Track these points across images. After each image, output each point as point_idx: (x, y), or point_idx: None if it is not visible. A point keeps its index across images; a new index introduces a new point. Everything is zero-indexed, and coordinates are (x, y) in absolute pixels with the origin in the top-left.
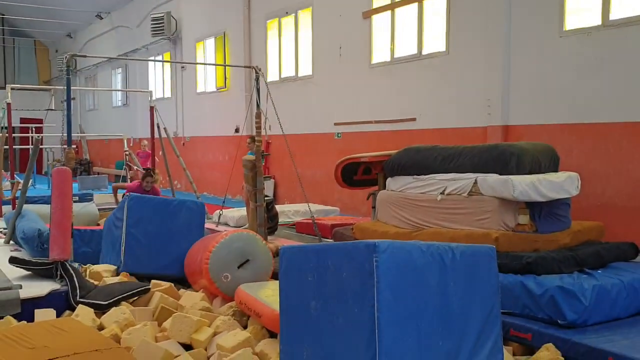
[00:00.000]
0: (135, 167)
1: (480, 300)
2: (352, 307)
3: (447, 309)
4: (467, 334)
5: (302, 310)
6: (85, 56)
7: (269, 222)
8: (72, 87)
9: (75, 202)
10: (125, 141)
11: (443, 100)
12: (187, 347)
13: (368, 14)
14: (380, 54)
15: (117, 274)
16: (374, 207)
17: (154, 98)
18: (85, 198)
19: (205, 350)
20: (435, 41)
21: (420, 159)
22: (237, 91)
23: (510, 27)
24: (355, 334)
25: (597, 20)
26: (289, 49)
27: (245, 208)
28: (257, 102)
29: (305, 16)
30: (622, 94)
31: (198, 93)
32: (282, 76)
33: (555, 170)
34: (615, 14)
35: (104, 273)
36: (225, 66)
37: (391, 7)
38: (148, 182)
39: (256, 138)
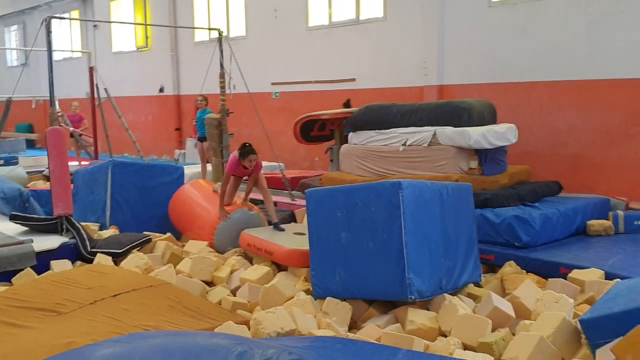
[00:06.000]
0: (70, 130)
1: (464, 227)
2: (381, 234)
3: (445, 233)
4: (458, 253)
5: (333, 241)
6: (63, 18)
7: None
8: None
9: (0, 165)
10: (57, 102)
11: (382, 62)
12: (207, 284)
13: None
14: (317, 17)
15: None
16: (332, 160)
17: (60, 58)
18: (11, 162)
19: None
20: (373, 7)
21: (382, 115)
22: (160, 51)
23: None
24: (386, 255)
25: None
26: (219, 9)
27: (200, 165)
28: (220, 62)
29: None
30: (543, 57)
31: (114, 53)
32: (212, 36)
33: (494, 123)
34: None
35: (92, 226)
36: (187, 28)
37: None
38: (252, 160)
39: (221, 97)
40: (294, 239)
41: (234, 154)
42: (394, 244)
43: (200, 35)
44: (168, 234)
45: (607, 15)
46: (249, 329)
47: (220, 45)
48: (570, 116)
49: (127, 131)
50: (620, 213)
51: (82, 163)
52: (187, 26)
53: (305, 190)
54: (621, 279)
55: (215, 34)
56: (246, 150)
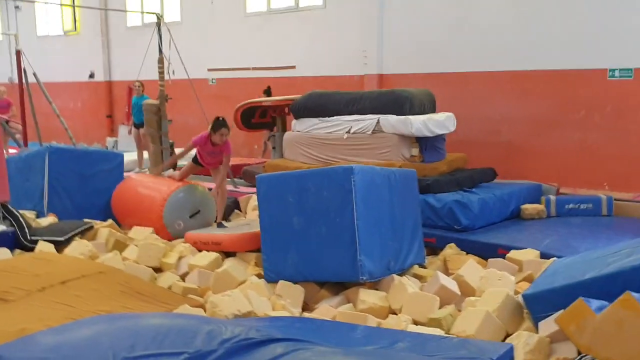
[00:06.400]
0: None
1: (410, 210)
2: (334, 218)
3: (394, 217)
4: (404, 236)
5: (285, 226)
6: None
7: None
8: None
9: None
10: None
11: (322, 50)
12: (155, 270)
13: None
14: (255, 3)
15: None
16: (274, 148)
17: None
18: None
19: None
20: None
21: (325, 103)
22: (90, 35)
23: None
24: (338, 238)
25: None
26: None
27: (136, 152)
28: (159, 48)
29: None
30: (480, 48)
31: (39, 36)
32: (145, 22)
33: (434, 111)
34: None
35: (28, 214)
36: (122, 11)
37: None
38: (223, 135)
39: (159, 83)
40: (240, 229)
41: (204, 132)
42: (346, 228)
43: (133, 20)
44: (109, 221)
45: (539, 8)
46: (205, 312)
47: (159, 30)
48: (503, 106)
49: (57, 118)
50: (552, 198)
51: (10, 151)
52: (121, 9)
53: (257, 176)
54: (556, 258)
55: (148, 18)
56: (219, 123)
